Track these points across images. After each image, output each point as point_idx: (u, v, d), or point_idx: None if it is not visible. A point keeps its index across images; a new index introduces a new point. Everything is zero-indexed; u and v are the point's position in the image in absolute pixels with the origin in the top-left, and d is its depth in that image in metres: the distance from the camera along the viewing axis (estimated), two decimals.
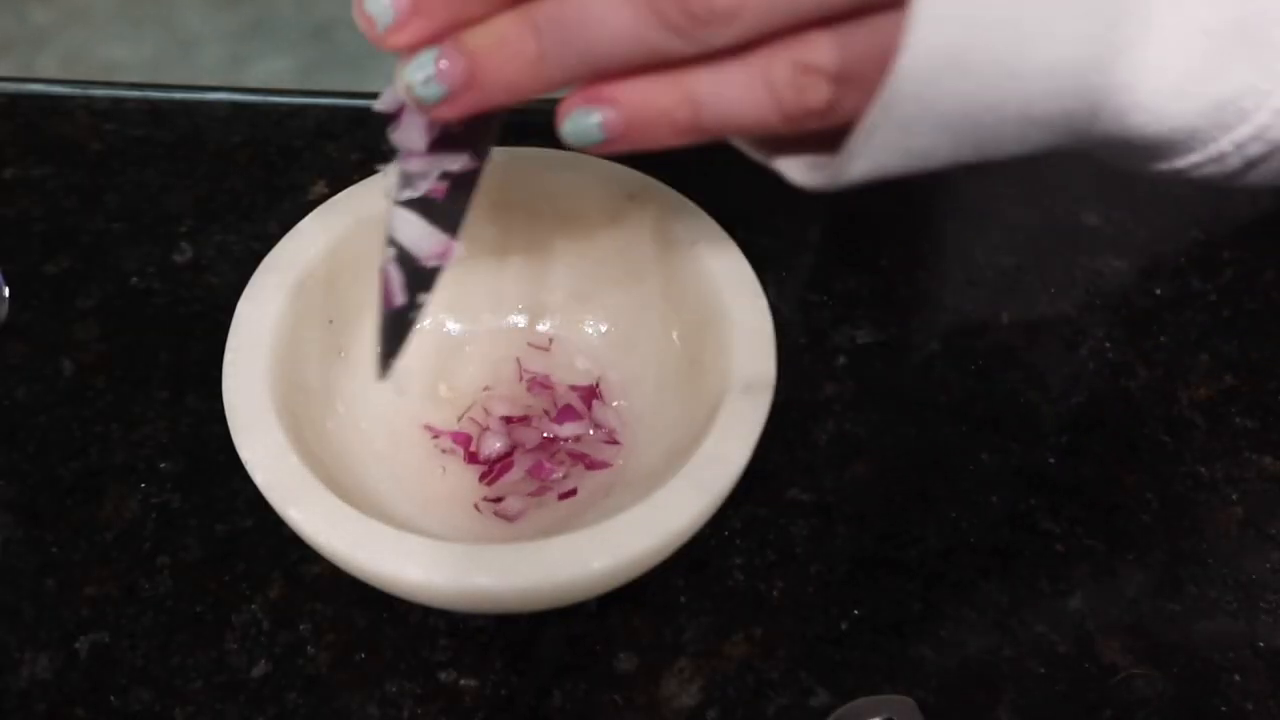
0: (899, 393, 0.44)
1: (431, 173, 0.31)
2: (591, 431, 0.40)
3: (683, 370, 0.40)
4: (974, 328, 0.46)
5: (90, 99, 0.53)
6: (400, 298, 0.32)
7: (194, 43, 1.57)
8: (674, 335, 0.41)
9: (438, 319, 0.43)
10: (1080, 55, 0.26)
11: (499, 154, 0.41)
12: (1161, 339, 0.47)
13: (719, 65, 0.27)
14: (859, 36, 0.26)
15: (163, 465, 0.41)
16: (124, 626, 0.37)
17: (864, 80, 0.26)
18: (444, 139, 0.31)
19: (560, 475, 0.39)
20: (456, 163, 0.31)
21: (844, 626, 0.38)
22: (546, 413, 0.41)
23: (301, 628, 0.37)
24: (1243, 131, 0.28)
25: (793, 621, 0.38)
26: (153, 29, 1.58)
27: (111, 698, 0.36)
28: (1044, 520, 0.41)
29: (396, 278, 0.32)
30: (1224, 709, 0.37)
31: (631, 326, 0.42)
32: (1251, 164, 0.29)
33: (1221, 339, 0.47)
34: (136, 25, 1.58)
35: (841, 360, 0.45)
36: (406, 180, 0.31)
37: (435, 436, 0.40)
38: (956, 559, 0.40)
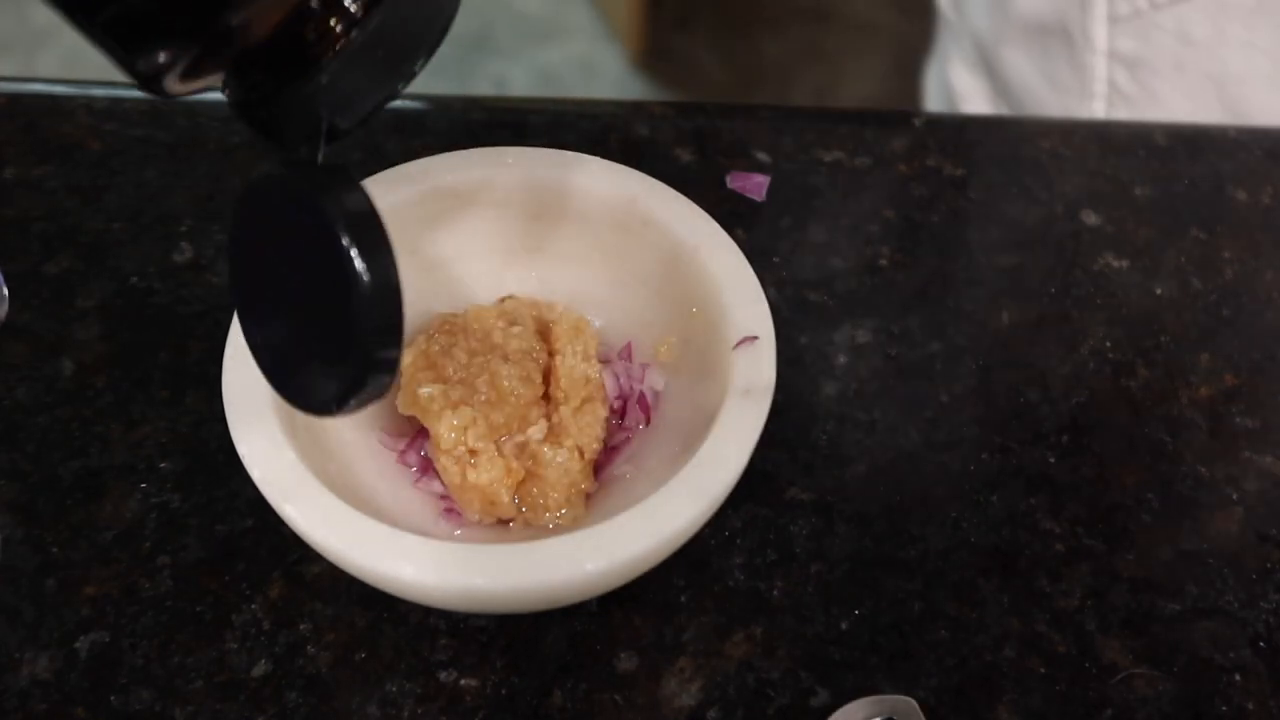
0: (899, 393, 0.44)
1: None
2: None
3: (682, 372, 0.40)
4: (974, 328, 0.46)
5: (90, 99, 0.53)
6: None
7: None
8: (674, 337, 0.41)
9: (442, 319, 0.43)
10: None
11: (501, 154, 0.41)
12: (1161, 339, 0.47)
13: None
14: None
15: (163, 465, 0.41)
16: (124, 626, 0.37)
17: None
18: None
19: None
20: None
21: (844, 626, 0.38)
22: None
23: (301, 628, 0.37)
24: None
25: (793, 621, 0.38)
26: None
27: (111, 698, 0.36)
28: (1044, 520, 0.41)
29: None
30: (1224, 709, 0.37)
31: (632, 328, 0.42)
32: None
33: (1221, 339, 0.47)
34: None
35: (841, 360, 0.45)
36: None
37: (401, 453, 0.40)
38: (956, 559, 0.40)
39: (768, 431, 0.35)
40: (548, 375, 0.39)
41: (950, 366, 0.45)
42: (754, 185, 0.50)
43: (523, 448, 0.38)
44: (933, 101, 0.82)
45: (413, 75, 0.30)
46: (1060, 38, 0.68)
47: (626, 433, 0.40)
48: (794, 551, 0.40)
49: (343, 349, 0.28)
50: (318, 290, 0.28)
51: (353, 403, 0.28)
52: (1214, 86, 0.64)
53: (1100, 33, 0.65)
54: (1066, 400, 0.44)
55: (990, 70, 0.74)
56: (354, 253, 0.26)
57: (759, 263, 0.39)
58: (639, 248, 0.41)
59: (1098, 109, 0.67)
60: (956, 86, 0.77)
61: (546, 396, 0.39)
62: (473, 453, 0.37)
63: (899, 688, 0.37)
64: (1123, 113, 0.67)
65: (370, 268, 0.27)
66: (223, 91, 0.29)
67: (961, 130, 0.55)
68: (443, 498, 0.38)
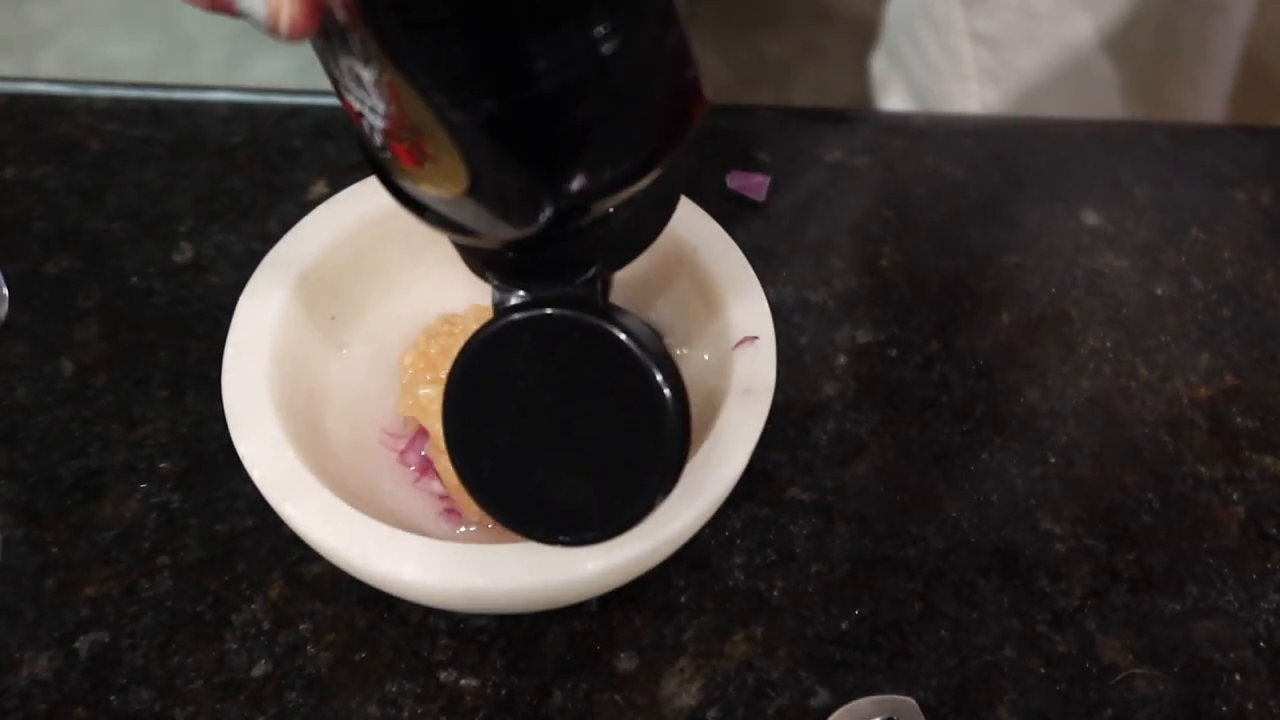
0: (899, 393, 0.44)
1: None
2: None
3: (683, 372, 0.40)
4: (974, 328, 0.46)
5: (90, 99, 0.53)
6: None
7: (194, 43, 1.57)
8: (674, 337, 0.41)
9: (442, 319, 0.43)
10: None
11: None
12: (1161, 339, 0.47)
13: None
14: None
15: (163, 465, 0.41)
16: (124, 626, 0.37)
17: None
18: None
19: None
20: None
21: (844, 626, 0.38)
22: None
23: (301, 628, 0.37)
24: None
25: (793, 621, 0.38)
26: (153, 29, 1.58)
27: (111, 698, 0.36)
28: (1044, 520, 0.41)
29: None
30: (1224, 709, 0.37)
31: None
32: None
33: (1221, 339, 0.47)
34: (136, 25, 1.58)
35: (841, 360, 0.45)
36: None
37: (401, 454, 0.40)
38: (956, 559, 0.40)
39: (768, 431, 0.35)
40: None
41: (950, 366, 0.45)
42: (754, 185, 0.50)
43: None
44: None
45: (660, 232, 0.33)
46: (929, 23, 0.72)
47: None
48: (794, 551, 0.40)
49: (635, 478, 0.29)
50: (604, 420, 0.30)
51: (633, 525, 0.30)
52: (1066, 54, 0.67)
53: (958, 16, 0.69)
54: (1066, 400, 0.44)
55: (899, 58, 0.78)
56: (663, 384, 0.29)
57: (759, 263, 0.39)
58: None
59: (971, 90, 0.70)
60: (877, 74, 0.81)
61: None
62: None
63: (899, 688, 0.37)
64: (993, 92, 0.70)
65: (676, 398, 0.29)
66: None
67: (961, 130, 0.55)
68: (443, 498, 0.38)
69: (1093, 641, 0.38)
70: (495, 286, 0.32)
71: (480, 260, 0.32)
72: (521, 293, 0.31)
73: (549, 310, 0.29)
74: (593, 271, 0.31)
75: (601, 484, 0.30)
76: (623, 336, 0.29)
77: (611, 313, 0.29)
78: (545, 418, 0.30)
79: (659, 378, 0.29)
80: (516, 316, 0.29)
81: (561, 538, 0.30)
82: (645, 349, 0.29)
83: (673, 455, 0.29)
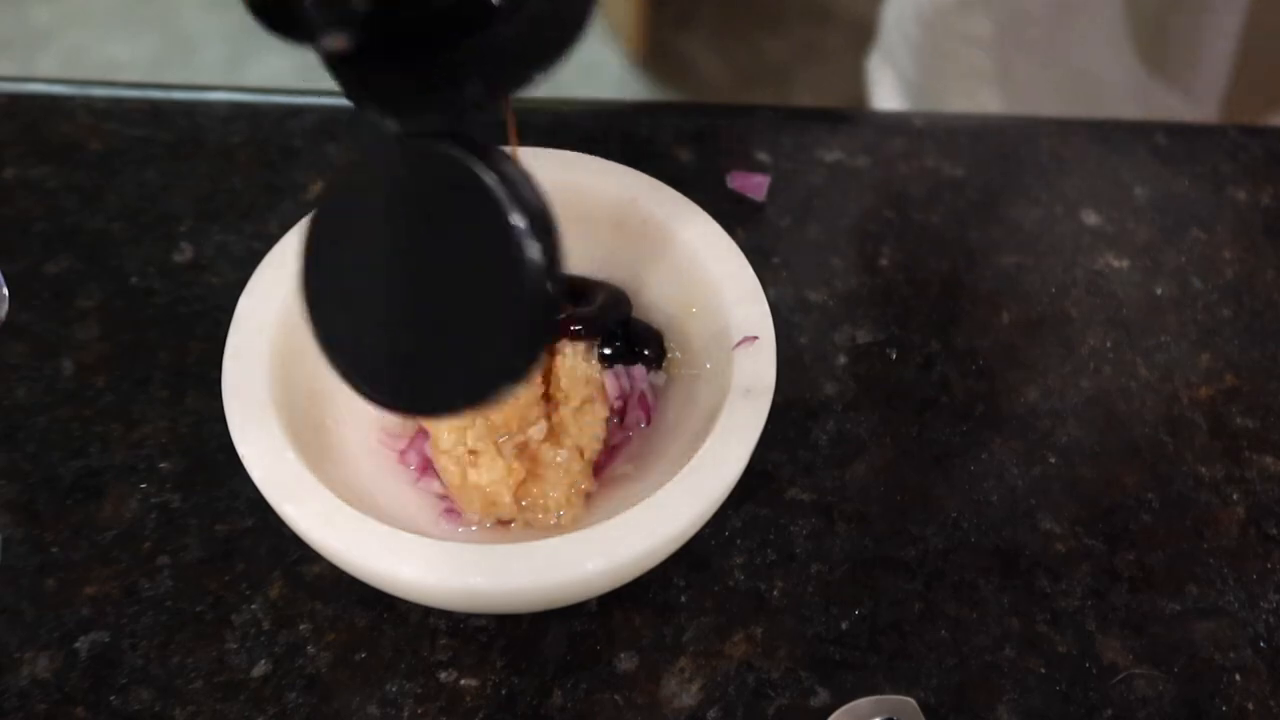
0: (899, 393, 0.44)
1: None
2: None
3: (683, 372, 0.40)
4: (974, 328, 0.46)
5: (90, 99, 0.53)
6: None
7: (194, 43, 1.57)
8: (674, 338, 0.41)
9: None
10: None
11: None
12: (1161, 339, 0.47)
13: None
14: None
15: (163, 465, 0.41)
16: (124, 626, 0.37)
17: None
18: None
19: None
20: None
21: (844, 626, 0.38)
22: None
23: (301, 628, 0.37)
24: None
25: (793, 621, 0.38)
26: (153, 29, 1.58)
27: (111, 698, 0.36)
28: (1044, 520, 0.41)
29: None
30: (1224, 709, 0.37)
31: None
32: None
33: (1221, 339, 0.47)
34: (136, 25, 1.58)
35: (841, 360, 0.45)
36: None
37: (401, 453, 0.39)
38: (956, 559, 0.40)
39: (768, 431, 0.35)
40: (547, 375, 0.39)
41: (950, 366, 0.45)
42: (754, 185, 0.50)
43: (523, 448, 0.38)
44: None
45: (556, 62, 0.27)
46: (923, 25, 0.72)
47: (626, 432, 0.40)
48: (794, 551, 0.40)
49: (495, 338, 0.25)
50: (462, 274, 0.25)
51: (492, 398, 0.26)
52: (1058, 56, 0.68)
53: (952, 18, 0.69)
54: (1066, 400, 0.44)
55: (894, 60, 0.79)
56: (523, 230, 0.24)
57: (759, 263, 0.39)
58: (639, 248, 0.41)
59: (966, 91, 0.71)
60: (872, 76, 0.82)
61: (546, 396, 0.39)
62: (473, 453, 0.37)
63: (899, 688, 0.37)
64: (987, 94, 0.70)
65: (542, 247, 0.24)
66: (323, 46, 0.25)
67: (961, 130, 0.55)
68: (443, 498, 0.38)
69: (1093, 641, 0.38)
70: (372, 120, 0.26)
71: (359, 86, 0.26)
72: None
73: (409, 143, 0.25)
74: (468, 91, 0.26)
75: (454, 349, 0.26)
76: (486, 177, 0.24)
77: (486, 150, 0.25)
78: (402, 271, 0.26)
79: (520, 225, 0.24)
80: (375, 149, 0.26)
81: (401, 404, 0.27)
82: (512, 192, 0.24)
83: (534, 320, 0.25)
